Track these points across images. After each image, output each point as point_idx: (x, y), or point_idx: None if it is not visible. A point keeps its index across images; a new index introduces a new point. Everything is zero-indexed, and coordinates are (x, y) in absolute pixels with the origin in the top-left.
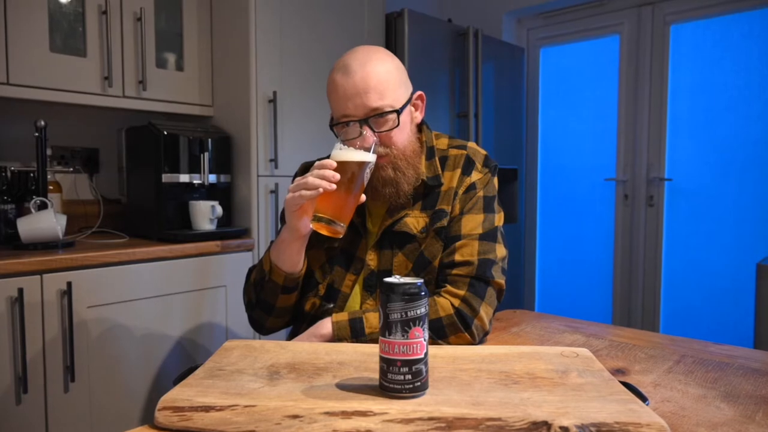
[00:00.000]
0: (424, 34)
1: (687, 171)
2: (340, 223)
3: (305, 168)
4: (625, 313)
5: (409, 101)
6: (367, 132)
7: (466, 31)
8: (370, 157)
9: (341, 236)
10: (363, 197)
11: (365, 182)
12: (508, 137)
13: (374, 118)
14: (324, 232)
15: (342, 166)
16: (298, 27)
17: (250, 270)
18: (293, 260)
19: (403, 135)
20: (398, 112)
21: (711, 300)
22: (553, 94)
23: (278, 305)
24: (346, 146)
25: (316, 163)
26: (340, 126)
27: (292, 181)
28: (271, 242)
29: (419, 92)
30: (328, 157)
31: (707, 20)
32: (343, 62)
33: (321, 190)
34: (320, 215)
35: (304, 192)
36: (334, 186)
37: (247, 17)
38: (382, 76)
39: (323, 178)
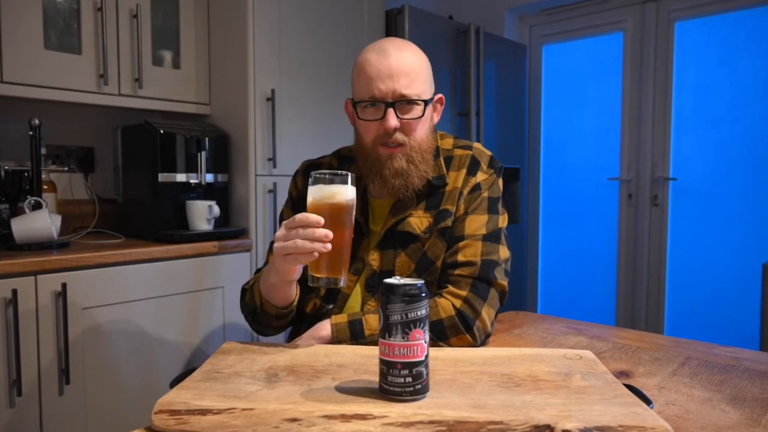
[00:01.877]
0: (425, 31)
1: (692, 170)
2: (340, 279)
3: (307, 167)
4: (628, 314)
5: (431, 99)
6: (390, 115)
7: (467, 28)
8: (352, 194)
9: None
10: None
11: (353, 222)
12: (510, 136)
13: (401, 103)
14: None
15: (330, 214)
16: (297, 24)
17: (244, 290)
18: (285, 297)
19: (424, 129)
20: (426, 102)
21: (716, 301)
22: (556, 92)
23: (275, 325)
24: (320, 184)
25: (298, 217)
26: (363, 106)
27: (293, 181)
28: (258, 270)
29: (441, 95)
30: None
31: (712, 17)
32: (379, 45)
33: (316, 254)
34: (318, 277)
35: (298, 256)
36: (329, 246)
37: (245, 14)
38: (415, 65)
39: (314, 239)
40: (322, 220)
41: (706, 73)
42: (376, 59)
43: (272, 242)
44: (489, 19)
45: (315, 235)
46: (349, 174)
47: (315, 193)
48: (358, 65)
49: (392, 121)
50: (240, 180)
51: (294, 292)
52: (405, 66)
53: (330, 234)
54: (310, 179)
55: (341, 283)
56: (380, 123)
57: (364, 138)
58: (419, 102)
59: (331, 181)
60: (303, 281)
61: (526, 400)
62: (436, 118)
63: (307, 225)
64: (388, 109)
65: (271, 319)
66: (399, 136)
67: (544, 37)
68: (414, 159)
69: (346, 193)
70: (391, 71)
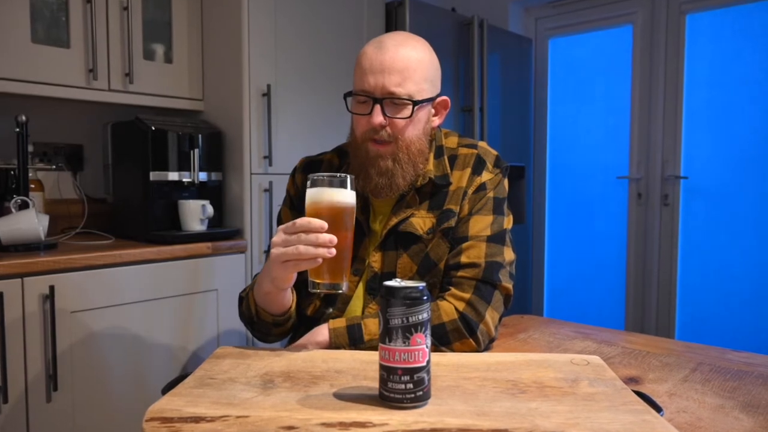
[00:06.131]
0: (427, 24)
1: (704, 169)
2: (342, 284)
3: (306, 164)
4: (638, 318)
5: (430, 101)
6: (375, 112)
7: (471, 21)
8: (352, 196)
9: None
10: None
11: (354, 225)
12: (515, 133)
13: (389, 101)
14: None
15: (331, 218)
16: (294, 16)
17: (241, 298)
18: (280, 304)
19: (414, 131)
20: (414, 103)
21: (729, 305)
22: (563, 87)
23: (275, 333)
24: (319, 186)
25: (299, 222)
26: (354, 99)
27: (291, 179)
28: (256, 275)
29: (445, 98)
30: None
31: (725, 9)
32: (381, 38)
33: (320, 260)
34: (319, 282)
35: (299, 262)
36: (334, 252)
37: (240, 6)
38: (411, 63)
39: (318, 244)
40: (325, 224)
41: (719, 68)
42: (372, 52)
43: (269, 246)
44: (493, 11)
45: (319, 241)
46: (348, 176)
47: (314, 196)
48: (357, 57)
49: (377, 118)
50: (234, 179)
51: (290, 299)
52: (399, 63)
53: (334, 239)
54: (308, 182)
55: (343, 288)
56: (368, 118)
57: (355, 131)
58: (408, 102)
59: (331, 184)
60: (303, 284)
61: (532, 407)
62: (437, 121)
63: (309, 230)
64: (375, 105)
65: (269, 327)
66: (385, 134)
67: (550, 30)
68: (400, 160)
69: (346, 195)
70: (383, 67)
